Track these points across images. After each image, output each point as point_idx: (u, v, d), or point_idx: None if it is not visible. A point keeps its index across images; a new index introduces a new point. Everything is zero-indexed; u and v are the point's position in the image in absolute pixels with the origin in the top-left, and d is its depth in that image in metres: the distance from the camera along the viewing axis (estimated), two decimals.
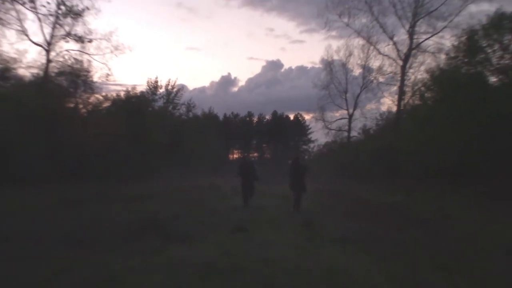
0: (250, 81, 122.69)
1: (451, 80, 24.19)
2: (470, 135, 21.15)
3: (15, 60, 26.58)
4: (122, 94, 39.55)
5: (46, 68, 30.69)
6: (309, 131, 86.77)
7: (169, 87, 52.60)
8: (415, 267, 8.27)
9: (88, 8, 30.80)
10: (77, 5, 30.52)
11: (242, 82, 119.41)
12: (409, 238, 11.35)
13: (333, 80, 44.07)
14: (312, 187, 18.72)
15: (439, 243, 10.69)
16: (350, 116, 44.84)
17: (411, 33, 36.48)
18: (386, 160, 30.90)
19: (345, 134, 46.21)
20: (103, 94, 36.25)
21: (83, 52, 31.73)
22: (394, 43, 37.73)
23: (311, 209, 17.15)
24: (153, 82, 50.73)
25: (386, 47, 38.72)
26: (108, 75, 33.23)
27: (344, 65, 43.64)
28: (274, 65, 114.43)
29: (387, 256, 9.29)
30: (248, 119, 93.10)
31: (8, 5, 25.91)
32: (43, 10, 29.80)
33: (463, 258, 8.91)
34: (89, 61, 32.22)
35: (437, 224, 13.65)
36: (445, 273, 7.78)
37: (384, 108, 43.33)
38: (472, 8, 32.75)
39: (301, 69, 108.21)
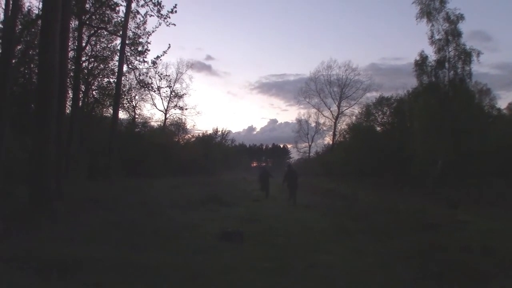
0: (262, 129, 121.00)
1: (357, 129, 24.16)
2: (366, 155, 20.89)
3: (149, 118, 27.32)
4: (200, 134, 39.68)
5: (164, 122, 31.51)
6: (290, 153, 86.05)
7: (223, 131, 52.87)
8: (341, 218, 8.17)
9: (185, 94, 31.66)
10: (180, 92, 31.47)
11: (258, 129, 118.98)
12: (339, 204, 11.21)
13: (301, 128, 43.90)
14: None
15: (353, 207, 10.54)
16: (310, 146, 44.84)
17: (339, 106, 37.26)
18: (327, 167, 30.61)
19: (307, 155, 46.30)
20: (191, 134, 36.77)
21: (182, 114, 32.29)
22: (331, 111, 38.25)
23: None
24: (215, 128, 50.95)
25: (327, 113, 39.06)
26: (194, 125, 34.37)
27: (306, 121, 43.32)
28: (273, 121, 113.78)
29: (328, 213, 9.23)
30: (260, 146, 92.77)
31: (147, 92, 26.49)
32: (164, 94, 30.84)
33: (364, 214, 8.79)
34: (185, 118, 32.84)
35: (351, 198, 13.45)
36: (356, 221, 7.71)
37: (326, 142, 43.11)
38: (368, 94, 33.66)
39: (287, 123, 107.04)
